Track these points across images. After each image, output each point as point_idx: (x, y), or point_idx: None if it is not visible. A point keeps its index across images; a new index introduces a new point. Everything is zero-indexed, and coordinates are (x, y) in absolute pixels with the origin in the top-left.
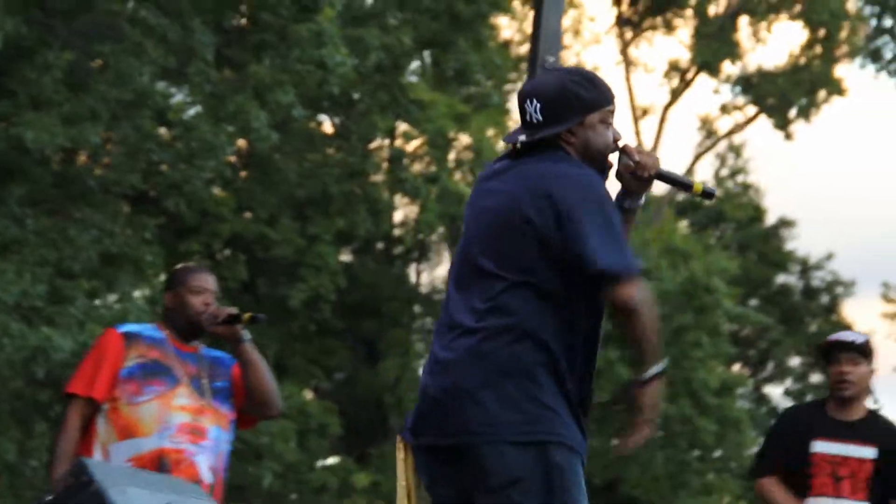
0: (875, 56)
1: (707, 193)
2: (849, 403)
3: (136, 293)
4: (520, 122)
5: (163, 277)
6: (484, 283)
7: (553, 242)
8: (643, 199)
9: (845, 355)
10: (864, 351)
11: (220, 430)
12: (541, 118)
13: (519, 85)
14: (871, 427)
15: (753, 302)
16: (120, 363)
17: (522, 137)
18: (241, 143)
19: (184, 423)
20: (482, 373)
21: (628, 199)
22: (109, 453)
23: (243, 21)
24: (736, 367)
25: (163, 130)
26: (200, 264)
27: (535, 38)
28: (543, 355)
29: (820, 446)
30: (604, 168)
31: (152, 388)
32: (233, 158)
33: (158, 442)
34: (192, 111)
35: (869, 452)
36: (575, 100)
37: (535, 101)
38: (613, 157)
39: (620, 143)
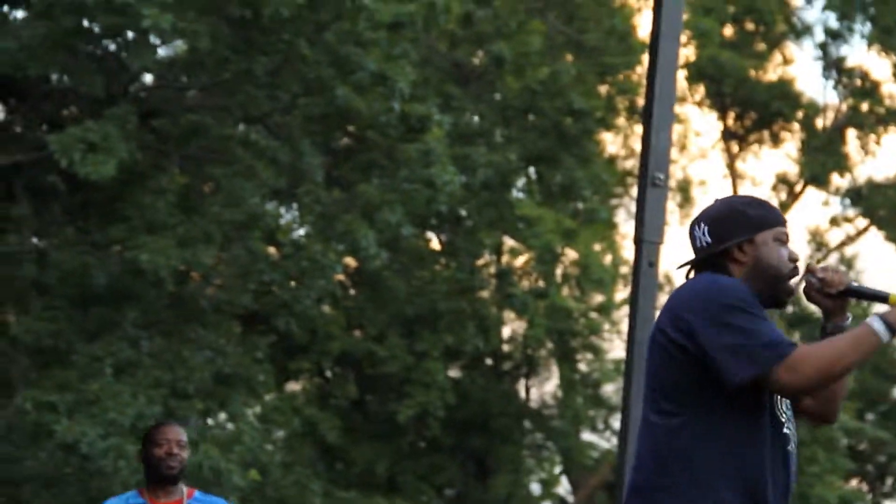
0: None
1: None
2: None
3: (249, 412)
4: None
5: (273, 396)
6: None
7: (681, 358)
8: (847, 319)
9: None
10: None
11: None
12: (709, 240)
13: (625, 200)
14: None
15: (870, 416)
16: None
17: (684, 262)
18: (350, 261)
19: None
20: None
21: (830, 322)
22: None
23: (351, 141)
24: (854, 483)
25: (272, 250)
26: (170, 419)
27: (644, 155)
28: (689, 480)
29: None
30: (780, 287)
31: None
32: (342, 276)
33: None
34: (301, 231)
35: None
36: (742, 217)
37: (702, 225)
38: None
39: (801, 263)
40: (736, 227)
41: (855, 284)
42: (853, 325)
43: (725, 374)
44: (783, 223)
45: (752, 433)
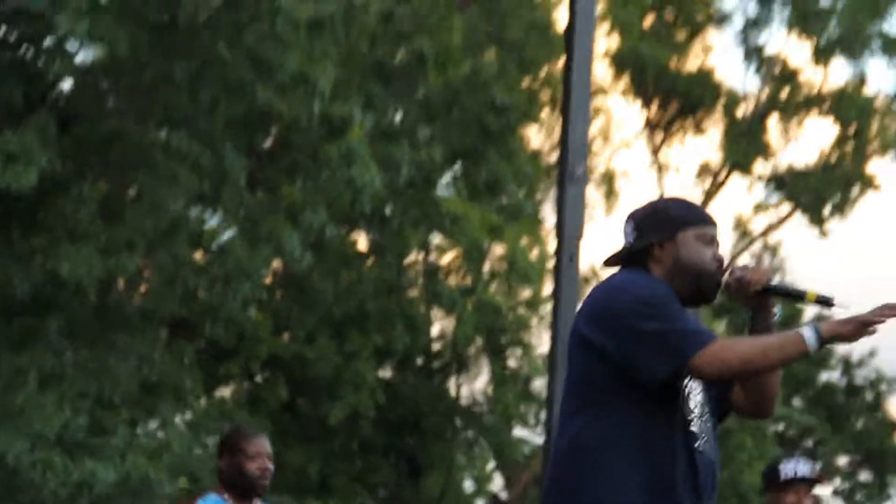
0: None
1: (823, 301)
2: None
3: (177, 419)
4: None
5: (203, 402)
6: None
7: (596, 357)
8: (774, 316)
9: (805, 487)
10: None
11: None
12: (632, 239)
13: (550, 194)
14: None
15: (797, 401)
16: None
17: (608, 258)
18: (277, 263)
19: None
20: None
21: (755, 320)
22: None
23: (274, 143)
24: None
25: (198, 255)
26: (252, 427)
27: (563, 149)
28: (601, 475)
29: None
30: (703, 284)
31: None
32: (268, 280)
33: None
34: (226, 235)
35: None
36: (664, 216)
37: (629, 223)
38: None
39: (725, 264)
40: (657, 225)
41: (774, 283)
42: (780, 322)
43: (643, 370)
44: (708, 223)
45: (663, 434)
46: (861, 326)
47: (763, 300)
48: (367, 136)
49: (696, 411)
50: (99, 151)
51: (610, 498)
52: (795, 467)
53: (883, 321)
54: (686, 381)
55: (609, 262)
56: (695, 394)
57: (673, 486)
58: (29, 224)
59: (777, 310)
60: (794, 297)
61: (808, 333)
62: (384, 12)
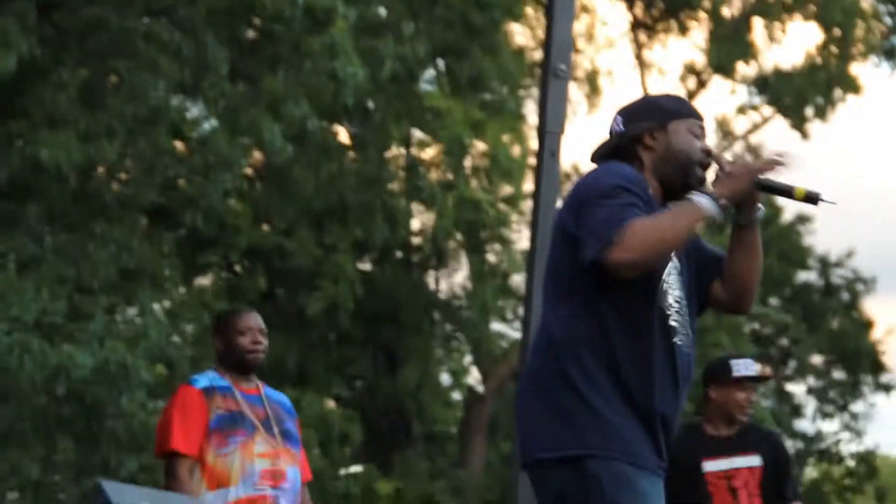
0: (890, 54)
1: (811, 198)
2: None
3: (156, 307)
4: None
5: (182, 290)
6: (544, 300)
7: (572, 248)
8: (758, 210)
9: (751, 385)
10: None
11: (295, 471)
12: (622, 129)
13: (533, 91)
14: (751, 437)
15: (774, 300)
16: (207, 418)
17: (596, 149)
18: (257, 155)
19: (265, 469)
20: (527, 394)
21: (739, 214)
22: (202, 502)
23: (256, 34)
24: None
25: (179, 145)
26: (243, 306)
27: (547, 46)
28: (578, 367)
29: (710, 466)
30: (690, 173)
31: (235, 438)
32: (249, 171)
33: (244, 490)
34: (207, 125)
35: (755, 461)
36: (655, 106)
37: (618, 117)
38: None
39: (713, 155)
40: (649, 115)
41: (763, 179)
42: (763, 218)
43: (582, 255)
44: (698, 118)
45: (642, 329)
46: (750, 177)
47: (749, 195)
48: (350, 30)
49: (675, 305)
50: (79, 38)
51: (587, 393)
52: (747, 365)
53: (770, 169)
54: (665, 275)
55: (597, 154)
56: (673, 288)
57: (650, 381)
58: (7, 109)
59: (760, 206)
60: (783, 192)
61: (699, 199)
62: None
